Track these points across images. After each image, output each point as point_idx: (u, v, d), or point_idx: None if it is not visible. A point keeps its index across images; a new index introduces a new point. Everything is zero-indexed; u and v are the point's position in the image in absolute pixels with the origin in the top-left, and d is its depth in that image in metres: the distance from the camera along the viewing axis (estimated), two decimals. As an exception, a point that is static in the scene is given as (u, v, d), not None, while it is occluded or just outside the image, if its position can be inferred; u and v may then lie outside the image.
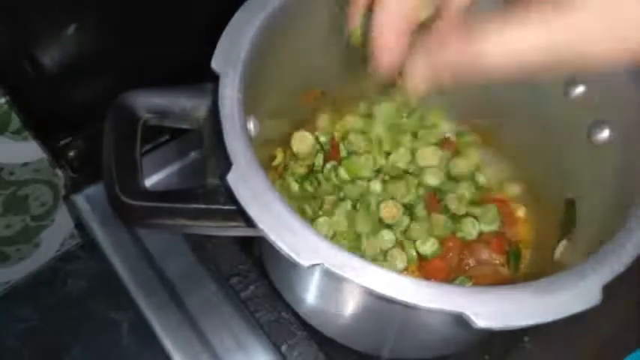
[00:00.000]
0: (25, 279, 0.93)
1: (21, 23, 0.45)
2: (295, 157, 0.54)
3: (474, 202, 0.53)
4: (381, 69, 0.31)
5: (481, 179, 0.55)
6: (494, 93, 0.51)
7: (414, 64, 0.28)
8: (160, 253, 0.55)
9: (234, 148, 0.33)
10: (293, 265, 0.30)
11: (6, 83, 0.50)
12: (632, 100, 0.39)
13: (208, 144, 0.38)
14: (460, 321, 0.29)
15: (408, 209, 0.52)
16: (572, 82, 0.43)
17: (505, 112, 0.52)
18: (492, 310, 0.29)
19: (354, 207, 0.51)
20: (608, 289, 0.30)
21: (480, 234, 0.52)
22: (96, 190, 0.58)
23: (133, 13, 0.51)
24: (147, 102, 0.39)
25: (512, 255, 0.51)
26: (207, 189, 0.37)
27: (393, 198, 0.52)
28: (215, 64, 0.36)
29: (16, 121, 0.62)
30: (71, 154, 0.57)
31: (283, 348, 0.50)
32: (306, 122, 0.55)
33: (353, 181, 0.53)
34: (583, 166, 0.45)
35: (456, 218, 0.52)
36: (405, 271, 0.50)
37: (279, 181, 0.54)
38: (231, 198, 0.32)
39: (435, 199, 0.53)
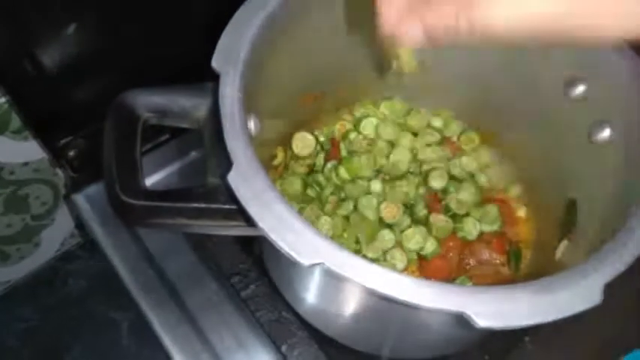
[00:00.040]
0: (25, 278, 0.93)
1: (21, 22, 0.45)
2: (296, 156, 0.54)
3: (474, 202, 0.53)
4: (386, 26, 0.29)
5: (482, 179, 0.55)
6: (496, 93, 0.51)
7: (411, 27, 0.27)
8: (160, 252, 0.55)
9: (235, 147, 0.33)
10: (293, 264, 0.30)
11: (6, 83, 0.50)
12: (633, 99, 0.39)
13: (209, 143, 0.38)
14: (461, 321, 0.29)
15: (409, 209, 0.52)
16: (573, 81, 0.43)
17: (506, 112, 0.52)
18: (493, 309, 0.29)
19: (354, 207, 0.51)
20: (609, 289, 0.30)
21: (481, 234, 0.52)
22: (96, 189, 0.58)
23: (133, 12, 0.51)
24: (147, 101, 0.39)
25: (513, 255, 0.51)
26: (207, 188, 0.37)
27: (393, 198, 0.52)
28: (215, 63, 0.36)
29: (16, 121, 0.62)
30: (71, 153, 0.57)
31: (283, 347, 0.50)
32: (306, 122, 0.55)
33: (353, 180, 0.53)
34: (584, 165, 0.45)
35: (456, 218, 0.52)
36: (405, 271, 0.50)
37: (280, 180, 0.54)
38: (232, 197, 0.32)
39: (436, 198, 0.53)
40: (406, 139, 0.55)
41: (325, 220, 0.51)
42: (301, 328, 0.50)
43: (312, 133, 0.55)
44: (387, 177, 0.54)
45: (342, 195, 0.52)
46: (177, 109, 0.39)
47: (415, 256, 0.51)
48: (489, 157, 0.56)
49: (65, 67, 0.50)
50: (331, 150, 0.55)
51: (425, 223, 0.51)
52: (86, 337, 0.95)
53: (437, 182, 0.53)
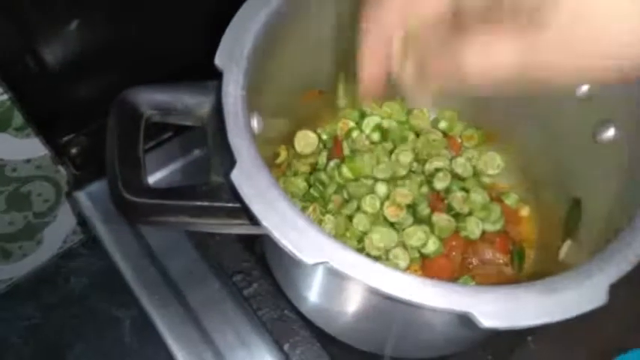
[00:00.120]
0: (28, 276, 0.93)
1: (24, 19, 0.45)
2: (298, 155, 0.54)
3: (478, 202, 0.53)
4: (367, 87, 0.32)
5: (485, 178, 0.55)
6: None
7: (404, 73, 0.29)
8: (162, 250, 0.55)
9: (238, 145, 0.33)
10: (297, 262, 0.30)
11: (9, 79, 0.50)
12: (638, 99, 0.39)
13: (212, 141, 0.38)
14: (465, 321, 0.29)
15: (412, 208, 0.52)
16: (578, 80, 0.43)
17: (510, 112, 0.52)
18: (498, 309, 0.28)
19: (358, 206, 0.51)
20: (614, 289, 0.30)
21: (484, 233, 0.52)
22: (98, 186, 0.58)
23: (137, 8, 0.50)
24: (150, 98, 0.39)
25: (516, 254, 0.51)
26: (210, 186, 0.36)
27: (396, 197, 0.52)
28: (219, 61, 0.36)
29: (18, 118, 0.62)
30: (74, 150, 0.57)
31: (286, 346, 0.50)
32: (309, 120, 0.55)
33: (356, 179, 0.52)
34: (588, 165, 0.44)
35: (459, 217, 0.52)
36: (408, 270, 0.50)
37: (283, 178, 0.54)
38: (235, 195, 0.32)
39: (438, 198, 0.53)
40: (409, 138, 0.55)
41: (328, 219, 0.50)
42: (304, 326, 0.50)
43: (315, 132, 0.55)
44: (389, 176, 0.54)
45: (345, 194, 0.52)
46: (181, 107, 0.39)
47: (418, 255, 0.50)
48: (493, 156, 0.56)
49: (68, 64, 0.50)
50: (334, 148, 0.55)
51: (428, 222, 0.51)
52: (88, 334, 0.95)
53: (440, 183, 0.53)
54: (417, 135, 0.56)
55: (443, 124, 0.56)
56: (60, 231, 0.89)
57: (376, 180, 0.52)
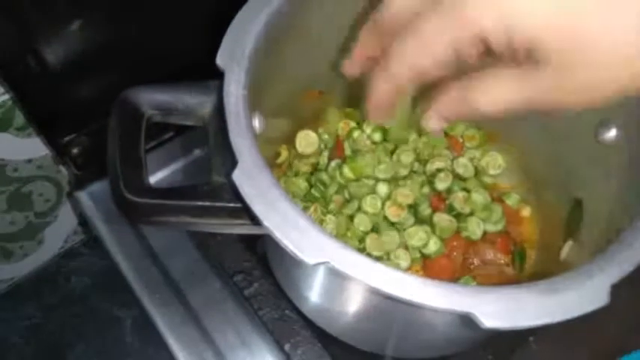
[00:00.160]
0: (29, 276, 0.93)
1: (25, 19, 0.45)
2: (299, 155, 0.54)
3: (479, 202, 0.52)
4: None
5: (487, 179, 0.55)
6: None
7: (428, 112, 0.32)
8: (164, 250, 0.55)
9: (240, 145, 0.33)
10: (298, 262, 0.30)
11: (10, 79, 0.50)
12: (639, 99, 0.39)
13: (213, 141, 0.38)
14: (467, 321, 0.29)
15: (413, 208, 0.52)
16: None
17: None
18: (499, 310, 0.28)
19: (359, 206, 0.51)
20: (615, 289, 0.30)
21: (485, 233, 0.51)
22: (100, 186, 0.58)
23: (138, 8, 0.50)
24: (151, 98, 0.39)
25: (518, 255, 0.51)
26: (212, 186, 0.36)
27: (397, 197, 0.52)
28: (220, 60, 0.36)
29: (20, 118, 0.62)
30: (75, 150, 0.57)
31: (287, 346, 0.50)
32: (310, 120, 0.55)
33: (357, 179, 0.52)
34: (589, 165, 0.44)
35: (460, 217, 0.52)
36: (409, 270, 0.50)
37: (284, 178, 0.54)
38: (236, 195, 0.32)
39: (440, 198, 0.53)
40: (410, 138, 0.55)
41: (329, 219, 0.50)
42: (305, 326, 0.50)
43: (316, 132, 0.55)
44: (390, 177, 0.54)
45: (346, 194, 0.52)
46: (182, 107, 0.39)
47: (419, 255, 0.50)
48: (494, 157, 0.55)
49: (69, 64, 0.50)
50: (335, 148, 0.55)
51: (429, 222, 0.51)
52: (89, 334, 0.95)
53: (442, 184, 0.53)
54: (419, 135, 0.56)
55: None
56: (61, 231, 0.89)
57: (377, 180, 0.52)
